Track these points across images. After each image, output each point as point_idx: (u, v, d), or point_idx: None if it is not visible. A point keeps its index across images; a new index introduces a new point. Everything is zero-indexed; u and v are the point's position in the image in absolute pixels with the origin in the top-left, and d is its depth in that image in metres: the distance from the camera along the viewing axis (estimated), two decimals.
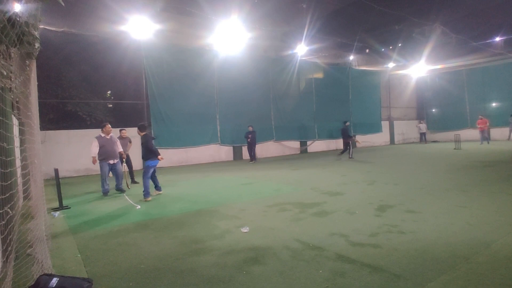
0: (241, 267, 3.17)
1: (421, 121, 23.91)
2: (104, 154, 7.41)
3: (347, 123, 15.32)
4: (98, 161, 7.41)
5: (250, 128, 14.42)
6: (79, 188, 8.91)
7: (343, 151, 14.63)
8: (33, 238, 3.54)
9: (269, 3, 13.90)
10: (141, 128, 7.06)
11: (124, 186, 7.98)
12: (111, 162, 7.52)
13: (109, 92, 16.29)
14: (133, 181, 9.21)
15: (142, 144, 7.04)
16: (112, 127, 7.90)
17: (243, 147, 15.99)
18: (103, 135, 7.52)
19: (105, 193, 7.48)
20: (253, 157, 14.47)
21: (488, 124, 18.83)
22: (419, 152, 15.82)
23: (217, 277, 2.96)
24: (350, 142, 14.20)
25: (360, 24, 17.01)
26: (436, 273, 2.83)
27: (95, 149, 7.35)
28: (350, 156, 13.88)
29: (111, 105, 15.74)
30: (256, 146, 14.87)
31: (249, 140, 14.42)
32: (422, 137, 22.80)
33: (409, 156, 14.13)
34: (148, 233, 4.45)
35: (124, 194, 7.49)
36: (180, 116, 14.21)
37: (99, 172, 7.53)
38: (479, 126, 18.82)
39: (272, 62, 17.39)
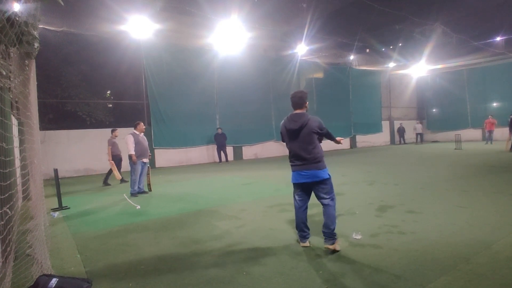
0: (241, 267, 3.16)
1: (418, 122, 23.76)
2: (139, 151, 7.21)
3: None
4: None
5: (219, 131, 14.41)
6: (78, 188, 8.90)
7: None
8: (32, 238, 3.53)
9: (269, 3, 13.85)
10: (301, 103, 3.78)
11: (144, 187, 7.58)
12: (145, 160, 7.38)
13: (108, 92, 16.28)
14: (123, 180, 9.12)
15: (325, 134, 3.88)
16: (112, 127, 7.83)
17: (243, 147, 15.99)
18: (137, 132, 7.34)
19: (135, 194, 7.20)
20: (220, 158, 14.55)
21: (495, 124, 18.67)
22: (420, 152, 15.80)
23: (217, 278, 2.95)
24: None
25: (360, 24, 16.96)
26: (437, 274, 2.82)
27: (133, 146, 7.11)
28: None
29: (110, 105, 15.73)
30: (256, 146, 14.81)
31: (215, 140, 14.49)
32: (418, 137, 22.67)
33: (410, 156, 14.11)
34: (148, 233, 4.44)
35: (148, 193, 7.46)
36: (180, 116, 14.20)
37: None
38: (487, 125, 18.69)
39: (272, 62, 17.36)
